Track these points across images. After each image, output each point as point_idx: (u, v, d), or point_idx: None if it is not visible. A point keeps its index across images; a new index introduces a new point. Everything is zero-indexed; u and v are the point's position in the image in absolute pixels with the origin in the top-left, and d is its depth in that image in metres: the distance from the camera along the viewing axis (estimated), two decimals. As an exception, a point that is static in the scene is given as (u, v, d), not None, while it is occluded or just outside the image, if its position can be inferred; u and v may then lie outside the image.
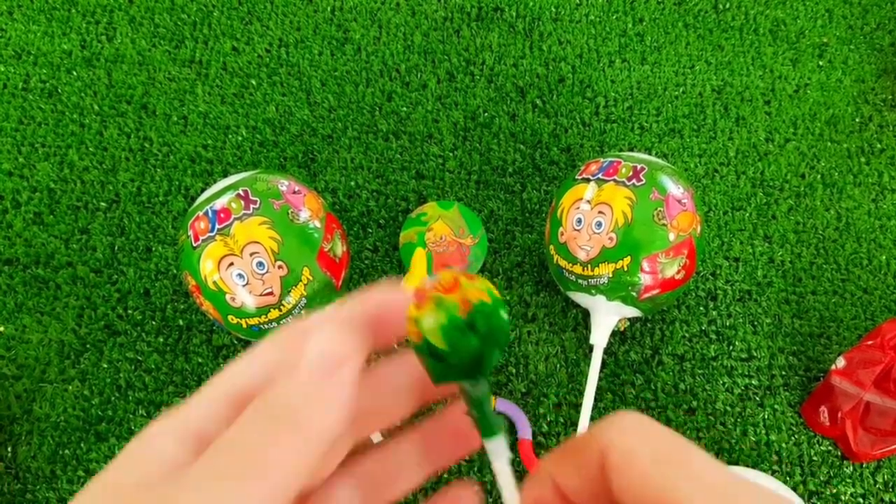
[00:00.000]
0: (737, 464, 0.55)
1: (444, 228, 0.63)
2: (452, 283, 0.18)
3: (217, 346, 0.59)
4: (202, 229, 0.49)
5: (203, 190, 0.64)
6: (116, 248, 0.63)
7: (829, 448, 0.55)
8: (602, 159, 0.56)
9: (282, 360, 0.19)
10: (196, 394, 0.18)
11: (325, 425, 0.17)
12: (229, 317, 0.50)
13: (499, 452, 0.19)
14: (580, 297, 0.56)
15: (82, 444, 0.55)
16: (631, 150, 0.69)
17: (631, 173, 0.53)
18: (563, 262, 0.55)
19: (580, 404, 0.55)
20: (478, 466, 0.55)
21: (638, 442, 0.16)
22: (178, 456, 0.17)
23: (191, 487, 0.16)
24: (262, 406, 0.17)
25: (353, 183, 0.67)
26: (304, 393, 0.17)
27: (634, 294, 0.53)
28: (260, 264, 0.48)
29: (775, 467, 0.55)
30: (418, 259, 0.60)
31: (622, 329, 0.59)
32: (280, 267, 0.48)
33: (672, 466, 0.16)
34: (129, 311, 0.60)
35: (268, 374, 0.19)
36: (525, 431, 0.55)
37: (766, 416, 0.57)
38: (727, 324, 0.60)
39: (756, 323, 0.61)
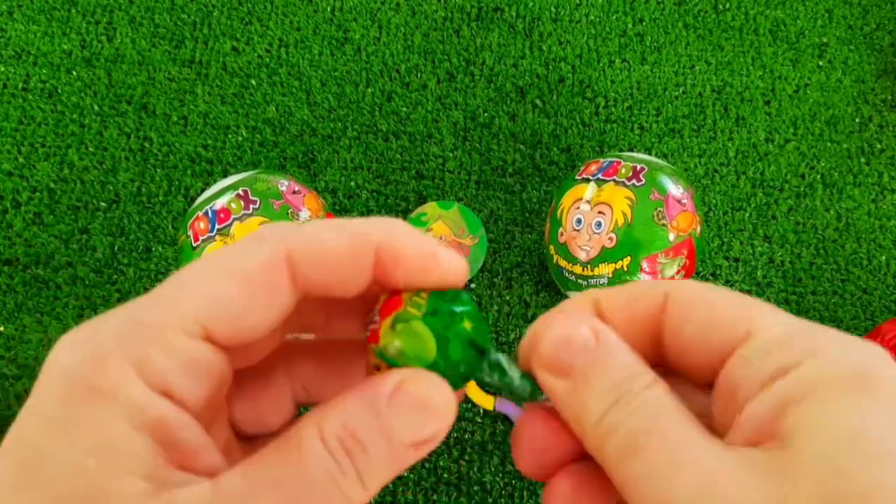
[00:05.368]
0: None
1: (443, 229, 0.63)
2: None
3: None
4: (202, 229, 0.49)
5: (203, 190, 0.64)
6: (116, 248, 0.63)
7: (829, 448, 0.55)
8: (602, 159, 0.56)
9: None
10: (149, 327, 0.15)
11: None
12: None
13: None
14: (580, 298, 0.56)
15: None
16: (631, 150, 0.69)
17: (631, 173, 0.53)
18: (563, 263, 0.55)
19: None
20: (477, 466, 0.55)
21: (708, 289, 0.17)
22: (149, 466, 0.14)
23: None
24: None
25: (353, 183, 0.67)
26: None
27: (634, 294, 0.53)
28: (260, 264, 0.48)
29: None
30: None
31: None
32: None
33: (743, 305, 0.16)
34: (129, 312, 0.60)
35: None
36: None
37: (765, 417, 0.57)
38: (727, 324, 0.60)
39: (756, 323, 0.61)
